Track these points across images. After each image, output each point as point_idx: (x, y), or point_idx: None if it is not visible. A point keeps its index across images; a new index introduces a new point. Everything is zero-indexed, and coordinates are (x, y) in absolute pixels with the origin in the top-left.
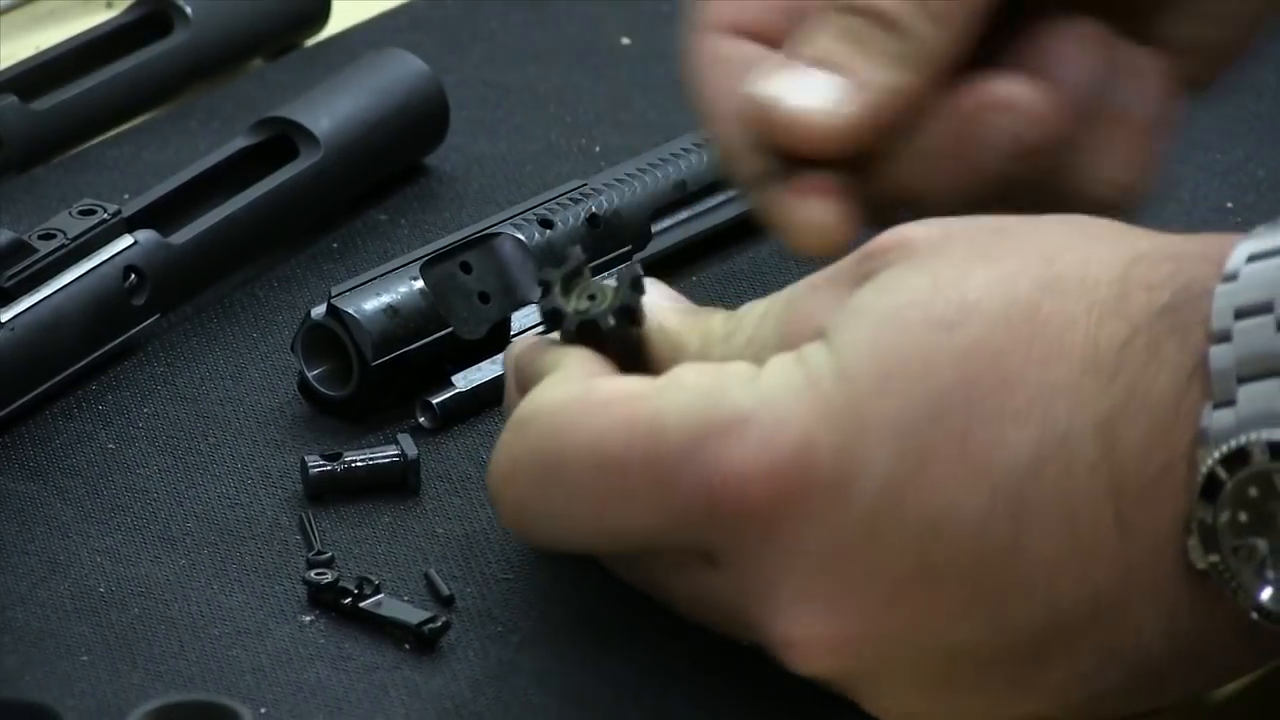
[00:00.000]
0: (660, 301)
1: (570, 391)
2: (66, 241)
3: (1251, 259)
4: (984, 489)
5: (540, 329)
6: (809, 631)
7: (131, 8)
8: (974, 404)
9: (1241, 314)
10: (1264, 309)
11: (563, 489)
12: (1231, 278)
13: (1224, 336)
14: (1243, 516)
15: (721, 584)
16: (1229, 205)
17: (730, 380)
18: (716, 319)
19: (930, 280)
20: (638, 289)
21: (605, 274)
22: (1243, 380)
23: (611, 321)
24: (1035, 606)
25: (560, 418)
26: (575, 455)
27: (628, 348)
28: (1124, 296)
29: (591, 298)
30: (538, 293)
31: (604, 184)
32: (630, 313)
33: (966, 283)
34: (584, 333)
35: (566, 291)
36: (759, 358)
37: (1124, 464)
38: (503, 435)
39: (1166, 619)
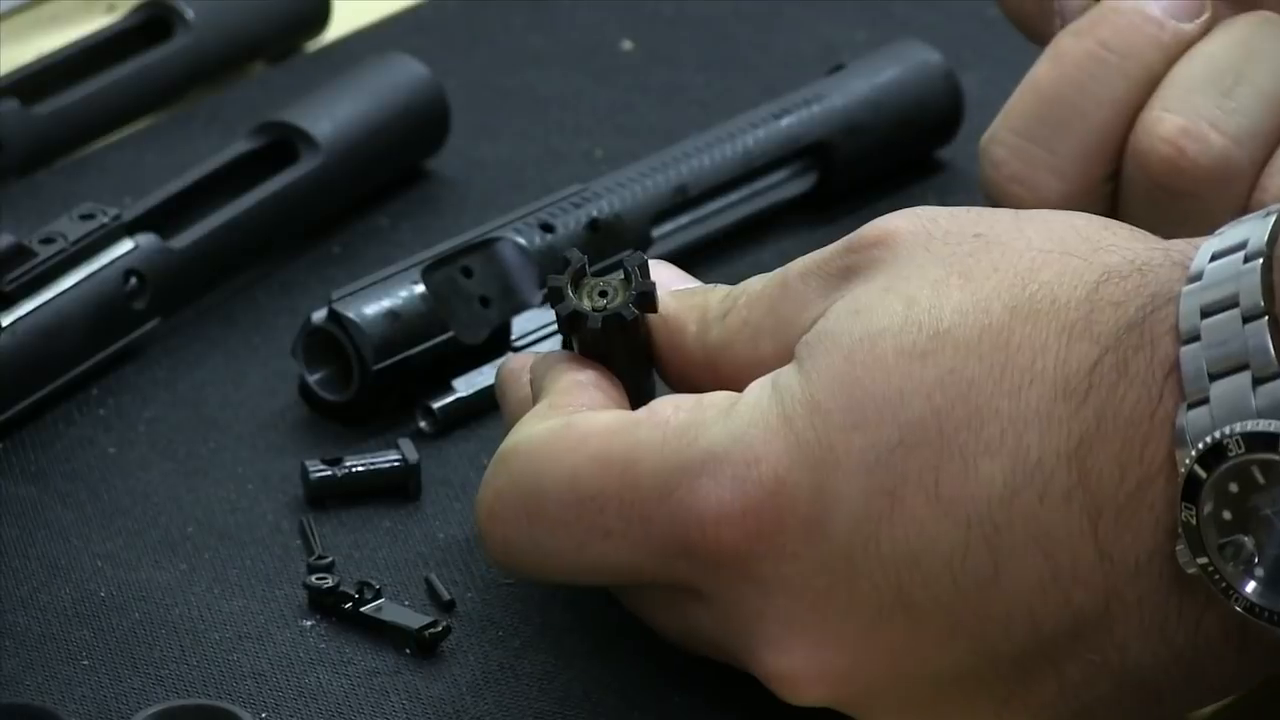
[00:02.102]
0: (658, 286)
1: (550, 426)
2: (67, 245)
3: (1214, 257)
4: (959, 522)
5: (548, 335)
6: (794, 665)
7: (132, 12)
8: (946, 436)
9: (1208, 312)
10: (1229, 304)
11: (544, 524)
12: (1196, 278)
13: (1193, 336)
14: (1226, 514)
15: (707, 618)
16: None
17: (705, 415)
18: (714, 297)
19: (904, 305)
20: (646, 274)
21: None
22: (1214, 377)
23: (635, 311)
24: (1017, 632)
25: (539, 453)
26: (554, 491)
27: (638, 338)
28: (1092, 316)
29: (602, 294)
30: (539, 297)
31: (605, 188)
32: (648, 298)
33: (941, 308)
34: (609, 328)
35: (575, 294)
36: (754, 341)
37: (1099, 487)
38: (488, 470)
39: (1155, 633)
